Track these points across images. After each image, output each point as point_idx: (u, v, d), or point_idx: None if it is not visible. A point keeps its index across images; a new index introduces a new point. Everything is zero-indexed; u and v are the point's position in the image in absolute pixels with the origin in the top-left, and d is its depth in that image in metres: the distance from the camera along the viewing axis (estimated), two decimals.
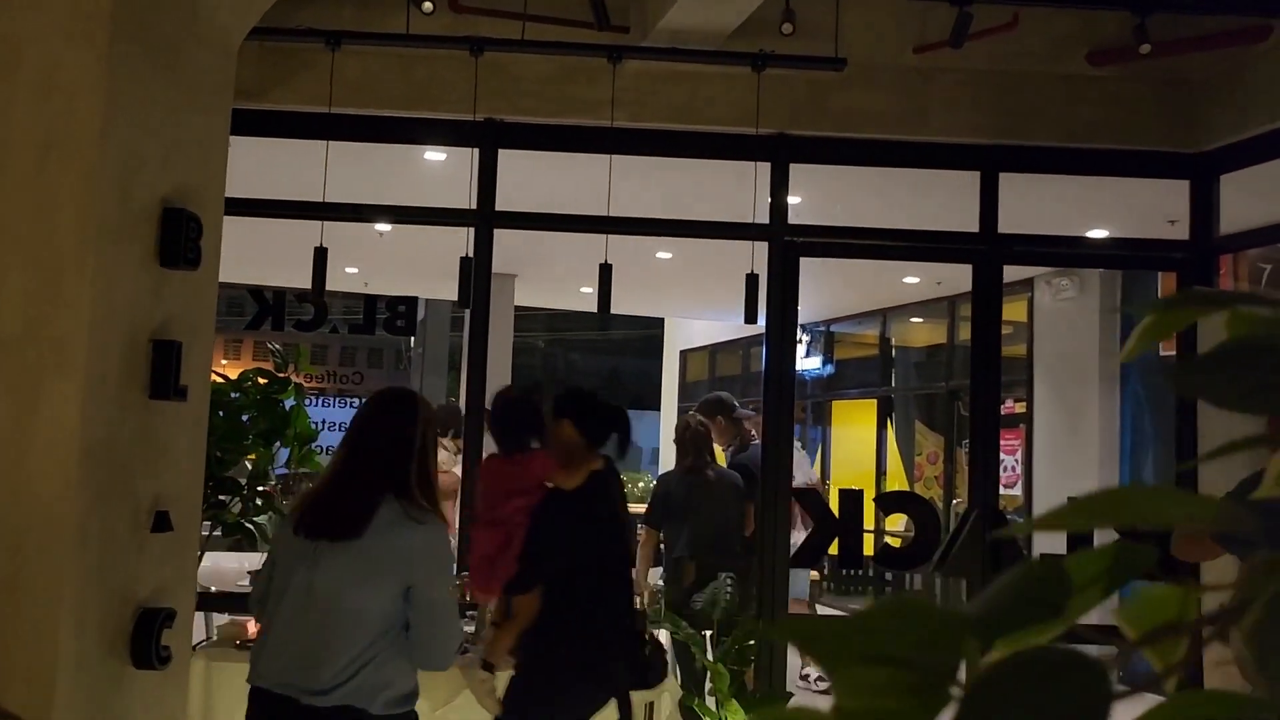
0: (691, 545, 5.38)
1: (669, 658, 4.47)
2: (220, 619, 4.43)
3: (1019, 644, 0.37)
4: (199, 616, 4.37)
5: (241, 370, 4.50)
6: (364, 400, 2.90)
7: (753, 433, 5.75)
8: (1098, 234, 6.43)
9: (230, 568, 5.16)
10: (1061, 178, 5.29)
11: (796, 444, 6.05)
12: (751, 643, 4.43)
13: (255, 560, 4.48)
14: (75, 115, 2.47)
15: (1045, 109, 4.97)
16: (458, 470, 5.16)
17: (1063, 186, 5.58)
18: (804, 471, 6.42)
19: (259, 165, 5.31)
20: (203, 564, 4.12)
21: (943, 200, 5.61)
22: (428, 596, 2.54)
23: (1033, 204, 5.71)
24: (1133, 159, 5.05)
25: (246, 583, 4.19)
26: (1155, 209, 5.74)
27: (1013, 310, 9.03)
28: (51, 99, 2.47)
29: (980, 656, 0.36)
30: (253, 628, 4.04)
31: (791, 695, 4.54)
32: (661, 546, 5.69)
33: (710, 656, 4.39)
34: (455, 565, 3.84)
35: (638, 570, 5.36)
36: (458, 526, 4.74)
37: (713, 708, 4.35)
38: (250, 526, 4.23)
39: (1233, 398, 0.41)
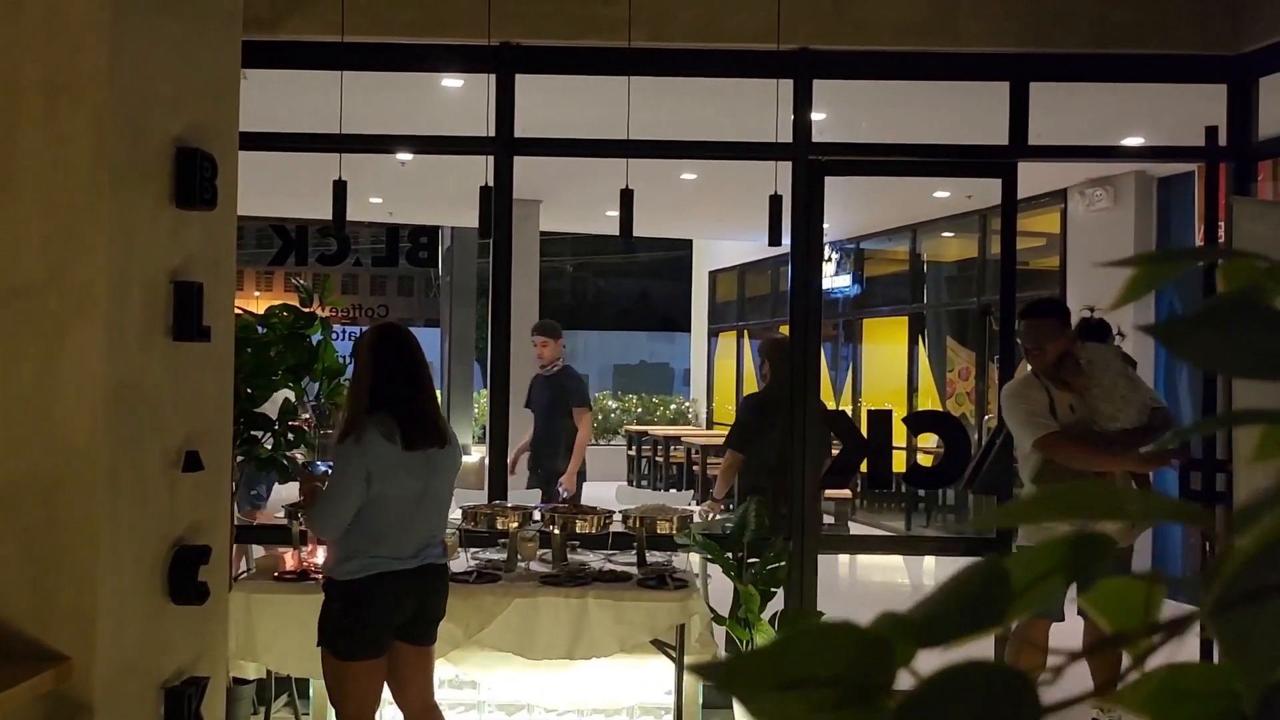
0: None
1: (698, 580, 4.52)
2: (258, 551, 4.51)
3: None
4: (240, 549, 4.47)
5: (268, 305, 4.52)
6: (390, 331, 3.43)
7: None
8: (1131, 142, 6.27)
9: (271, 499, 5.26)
10: (1094, 85, 5.14)
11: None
12: (781, 564, 4.47)
13: (289, 493, 4.55)
14: (82, 56, 2.44)
15: (1077, 12, 4.80)
16: None
17: (1095, 94, 5.43)
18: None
19: (275, 97, 5.27)
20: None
21: (971, 113, 5.48)
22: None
23: (1064, 114, 5.56)
24: (1168, 63, 4.90)
25: (282, 515, 4.26)
26: (1191, 114, 5.58)
27: (1045, 221, 8.88)
28: (57, 40, 2.44)
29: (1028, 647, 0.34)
30: (290, 560, 4.12)
31: (823, 614, 4.58)
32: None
33: (740, 578, 4.43)
34: None
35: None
36: None
37: (744, 628, 4.41)
38: (284, 461, 4.28)
39: (1226, 360, 0.39)
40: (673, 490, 12.58)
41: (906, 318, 11.18)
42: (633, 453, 14.85)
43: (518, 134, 4.87)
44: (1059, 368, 4.14)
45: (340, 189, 4.41)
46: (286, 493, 4.61)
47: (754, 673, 0.34)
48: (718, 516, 5.37)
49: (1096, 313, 4.56)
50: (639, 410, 17.51)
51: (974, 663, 0.34)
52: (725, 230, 13.23)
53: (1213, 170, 4.28)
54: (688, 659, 3.91)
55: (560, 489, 6.26)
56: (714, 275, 15.88)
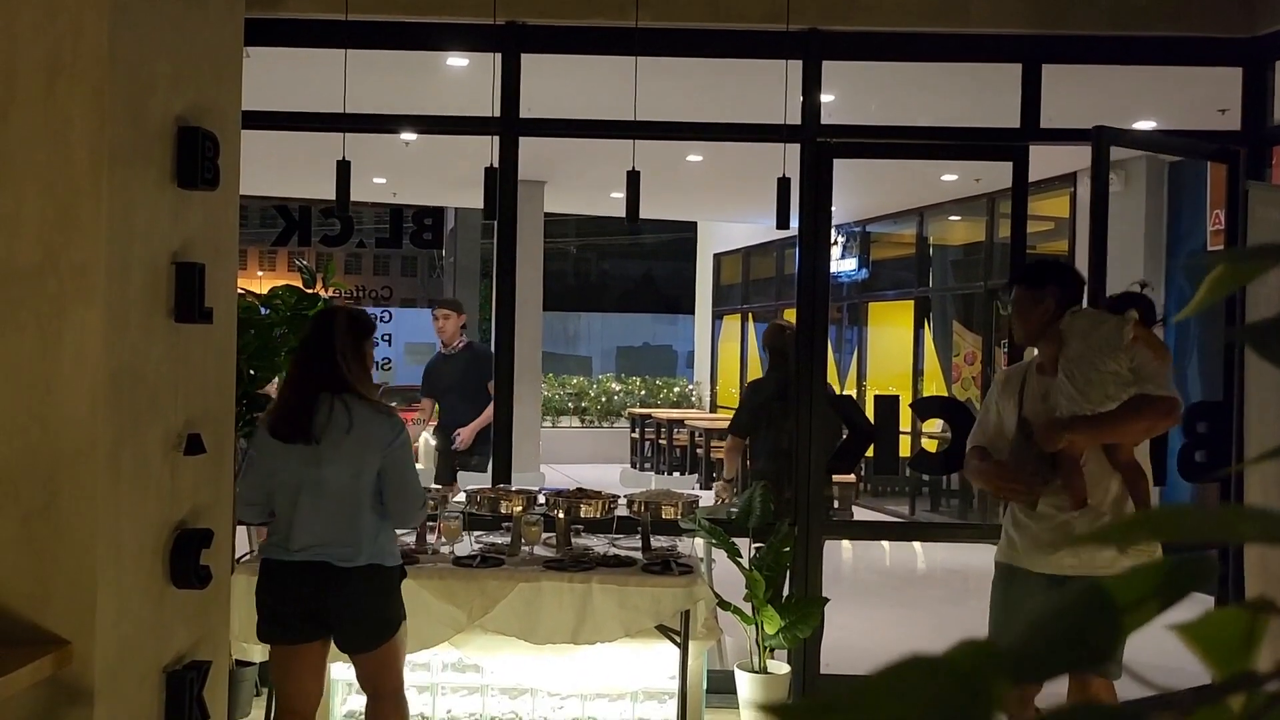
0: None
1: (702, 565, 4.50)
2: (262, 534, 4.49)
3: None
4: (243, 530, 4.45)
5: (271, 286, 4.48)
6: (313, 318, 3.43)
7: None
8: (1145, 125, 6.21)
9: None
10: (1106, 68, 5.08)
11: None
12: (787, 549, 4.44)
13: None
14: (82, 35, 2.40)
15: None
16: None
17: (1108, 77, 5.37)
18: None
19: (278, 76, 5.22)
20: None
21: (982, 95, 5.43)
22: (402, 472, 3.25)
23: (1076, 97, 5.50)
24: (1182, 46, 4.83)
25: None
26: (1205, 98, 5.52)
27: (1054, 205, 8.82)
28: (57, 19, 2.40)
29: (1017, 703, 0.31)
30: None
31: (827, 600, 4.56)
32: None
33: (745, 563, 4.41)
34: None
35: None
36: None
37: (749, 613, 4.39)
38: None
39: None
40: (676, 474, 12.56)
41: (912, 301, 11.12)
42: (636, 435, 14.84)
43: (523, 114, 4.82)
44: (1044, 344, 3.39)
45: (344, 169, 4.37)
46: None
47: (848, 716, 0.31)
48: (730, 499, 5.36)
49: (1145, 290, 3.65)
50: (642, 393, 17.48)
51: (1093, 708, 0.30)
52: (731, 213, 13.16)
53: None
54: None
55: (455, 437, 6.19)
56: (718, 258, 15.82)
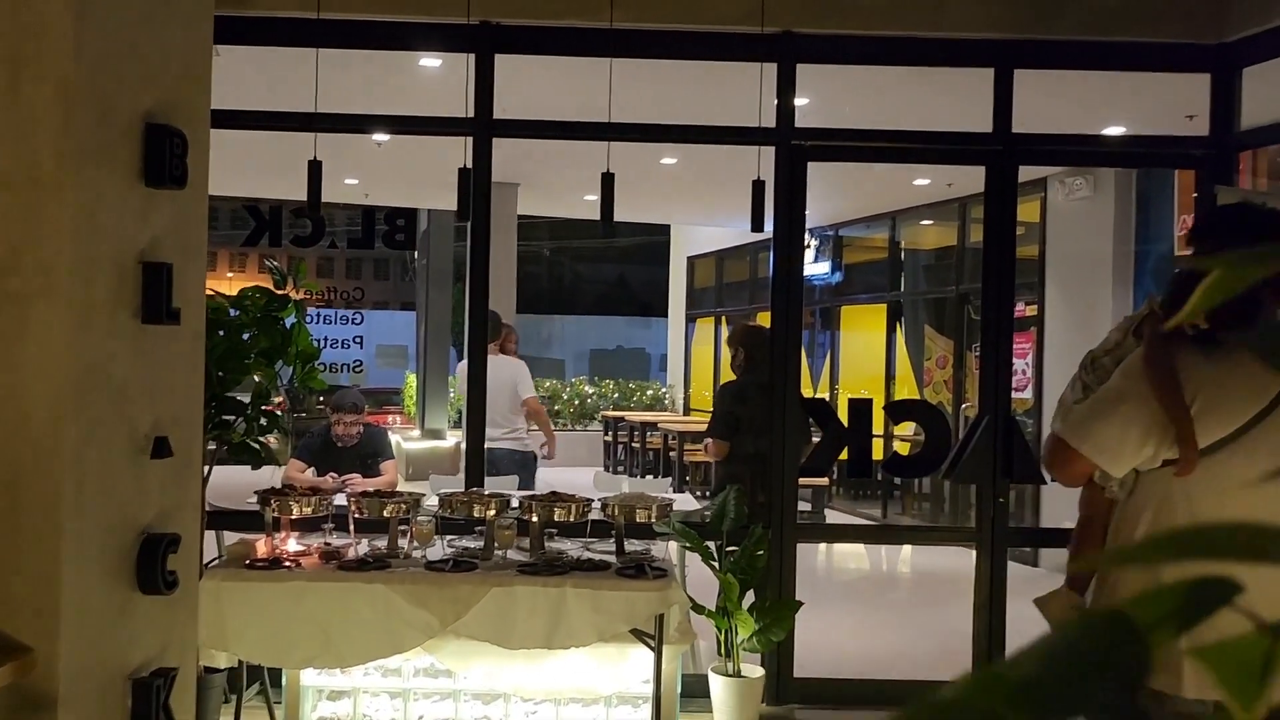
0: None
1: (677, 570, 4.49)
2: (230, 538, 4.43)
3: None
4: (210, 535, 4.39)
5: (241, 288, 4.42)
6: None
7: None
8: (1114, 131, 6.26)
9: (238, 483, 5.14)
10: (1076, 73, 5.12)
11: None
12: (761, 553, 4.44)
13: (263, 477, 4.48)
14: (46, 29, 2.35)
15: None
16: None
17: (1078, 82, 5.41)
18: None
19: (248, 75, 5.17)
20: (211, 481, 4.11)
21: (955, 99, 5.45)
22: None
23: (1047, 101, 5.54)
24: (1151, 51, 4.87)
25: (254, 500, 4.18)
26: (1174, 104, 5.57)
27: (1025, 210, 8.87)
28: (20, 12, 2.35)
29: None
30: (263, 547, 4.04)
31: (801, 604, 4.56)
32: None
33: (719, 567, 4.40)
34: None
35: None
36: None
37: (722, 617, 4.38)
38: (256, 445, 4.20)
39: None
40: (649, 477, 12.54)
41: (885, 305, 11.17)
42: (609, 439, 14.81)
43: (497, 115, 4.79)
44: None
45: (315, 169, 4.33)
46: (255, 478, 4.52)
47: None
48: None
49: None
50: (615, 396, 17.45)
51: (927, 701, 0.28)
52: (705, 216, 13.17)
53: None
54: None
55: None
56: (692, 261, 15.83)
